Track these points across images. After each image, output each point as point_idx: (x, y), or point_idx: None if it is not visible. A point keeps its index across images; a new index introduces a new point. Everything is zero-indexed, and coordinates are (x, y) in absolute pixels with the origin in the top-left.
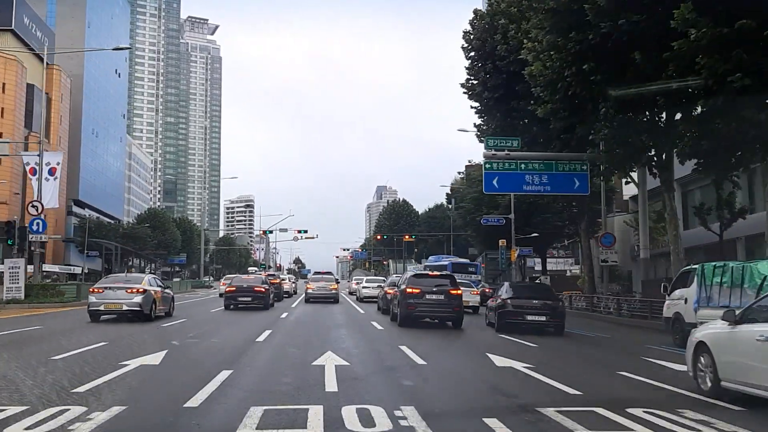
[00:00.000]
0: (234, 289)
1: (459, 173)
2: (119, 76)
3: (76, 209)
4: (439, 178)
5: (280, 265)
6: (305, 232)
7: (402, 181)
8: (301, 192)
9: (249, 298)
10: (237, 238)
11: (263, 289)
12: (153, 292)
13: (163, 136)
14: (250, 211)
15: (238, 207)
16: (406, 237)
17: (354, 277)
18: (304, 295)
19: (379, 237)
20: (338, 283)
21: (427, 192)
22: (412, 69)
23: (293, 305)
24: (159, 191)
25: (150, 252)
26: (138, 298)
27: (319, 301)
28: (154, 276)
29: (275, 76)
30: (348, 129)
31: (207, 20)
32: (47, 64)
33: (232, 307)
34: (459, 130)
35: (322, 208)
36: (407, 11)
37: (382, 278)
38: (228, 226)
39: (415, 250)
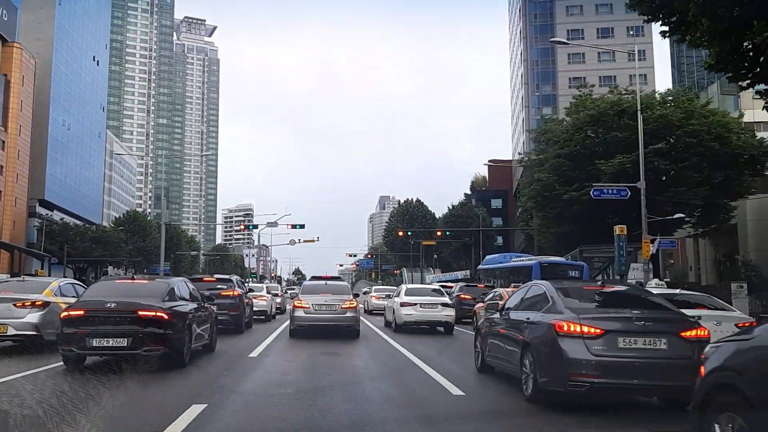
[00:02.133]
0: (81, 313)
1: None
2: (98, 64)
3: (42, 211)
4: (442, 190)
5: (276, 275)
6: (302, 227)
7: (404, 191)
8: (302, 201)
9: (122, 341)
10: (236, 248)
11: (164, 316)
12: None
13: (155, 139)
14: (249, 220)
15: (236, 216)
16: (438, 233)
17: (374, 289)
18: (289, 321)
19: (401, 233)
20: (357, 297)
21: (429, 203)
22: (416, 79)
23: (259, 349)
24: (150, 197)
25: (127, 259)
26: (34, 316)
27: (321, 331)
28: (74, 281)
29: (275, 82)
30: (349, 137)
31: (204, 21)
32: (5, 40)
33: (94, 359)
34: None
35: (323, 217)
36: (411, 21)
37: (435, 287)
38: (226, 235)
39: (435, 256)
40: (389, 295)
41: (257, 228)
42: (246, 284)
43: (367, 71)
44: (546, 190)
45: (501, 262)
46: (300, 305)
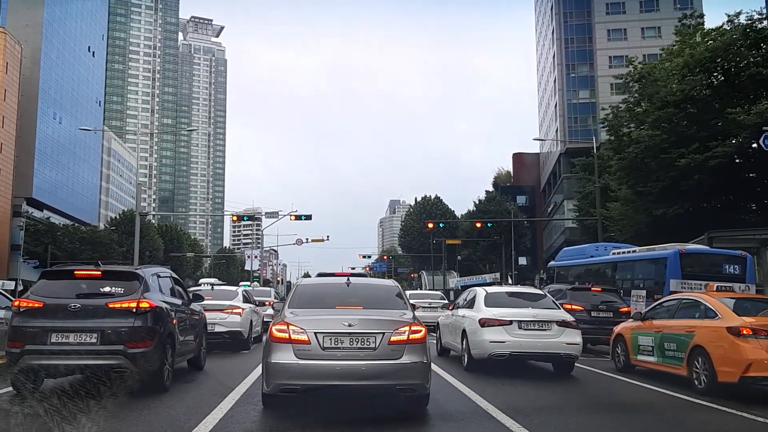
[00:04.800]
0: None
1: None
2: (93, 55)
3: (31, 210)
4: (454, 194)
5: (284, 279)
6: (308, 218)
7: (416, 195)
8: (311, 205)
9: None
10: (244, 251)
11: None
12: None
13: (159, 139)
14: (258, 226)
15: (244, 221)
16: (478, 224)
17: (410, 295)
18: (262, 372)
19: (431, 225)
20: (414, 309)
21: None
22: (426, 84)
23: None
24: (154, 199)
25: (121, 261)
26: None
27: (337, 399)
28: None
29: (285, 84)
30: (360, 140)
31: (211, 21)
32: None
33: None
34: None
35: (333, 221)
36: (422, 22)
37: (525, 290)
38: (234, 239)
39: (458, 257)
40: (443, 305)
41: (247, 219)
42: (187, 284)
43: (378, 74)
44: (648, 154)
45: (593, 256)
46: (284, 336)
